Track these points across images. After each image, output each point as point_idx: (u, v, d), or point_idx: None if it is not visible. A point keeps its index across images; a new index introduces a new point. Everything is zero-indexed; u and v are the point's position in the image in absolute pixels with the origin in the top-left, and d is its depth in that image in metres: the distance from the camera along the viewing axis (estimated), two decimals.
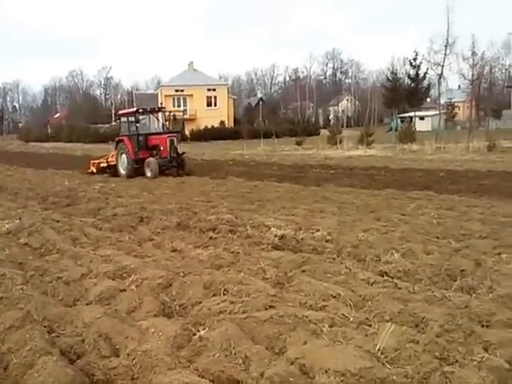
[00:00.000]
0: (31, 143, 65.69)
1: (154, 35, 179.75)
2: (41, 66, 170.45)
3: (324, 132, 56.64)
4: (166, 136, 20.30)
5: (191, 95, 75.19)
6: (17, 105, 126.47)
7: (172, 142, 20.19)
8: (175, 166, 20.37)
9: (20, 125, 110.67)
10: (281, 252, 7.31)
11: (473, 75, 52.91)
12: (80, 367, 4.01)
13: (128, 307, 5.26)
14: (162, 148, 20.15)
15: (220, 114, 72.57)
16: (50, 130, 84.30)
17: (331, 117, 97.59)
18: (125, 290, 5.69)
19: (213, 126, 68.67)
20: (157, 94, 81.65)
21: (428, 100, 72.88)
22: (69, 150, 42.61)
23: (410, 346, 3.98)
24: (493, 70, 76.74)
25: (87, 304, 5.45)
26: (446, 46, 42.78)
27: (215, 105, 75.41)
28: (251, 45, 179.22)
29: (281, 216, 10.31)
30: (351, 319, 4.72)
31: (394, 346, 4.01)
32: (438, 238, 8.25)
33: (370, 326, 4.56)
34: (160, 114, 22.08)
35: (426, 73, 51.71)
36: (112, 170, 21.86)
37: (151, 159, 20.06)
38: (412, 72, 51.87)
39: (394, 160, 25.48)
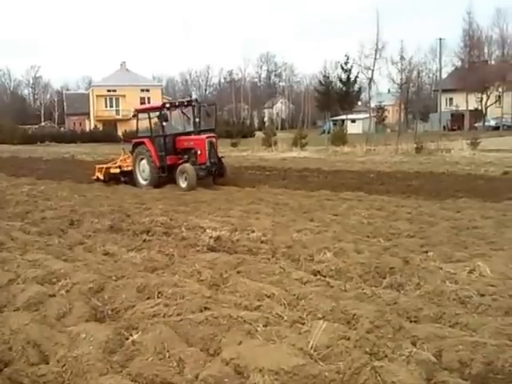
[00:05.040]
0: None
1: (84, 34, 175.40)
2: None
3: (259, 134, 57.05)
4: (204, 137, 16.47)
5: (124, 96, 73.91)
6: None
7: (212, 144, 16.44)
8: (214, 173, 16.61)
9: None
10: (216, 253, 7.30)
11: (401, 79, 55.01)
12: (7, 375, 3.87)
13: (58, 313, 5.09)
14: (199, 152, 16.22)
15: None
16: None
17: (266, 119, 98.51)
18: (54, 296, 5.51)
19: None
20: (88, 94, 79.79)
21: (359, 103, 75.03)
22: None
23: (342, 342, 4.08)
24: (420, 75, 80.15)
25: (14, 310, 5.23)
26: (375, 51, 44.28)
27: None
28: (185, 46, 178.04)
29: (216, 217, 10.30)
30: (285, 318, 4.78)
31: (327, 342, 4.09)
32: (368, 237, 8.49)
33: (303, 324, 4.64)
34: (190, 109, 17.76)
35: (356, 77, 53.44)
36: (128, 178, 17.84)
37: (187, 165, 16.00)
38: (343, 76, 53.39)
39: (326, 162, 25.98)
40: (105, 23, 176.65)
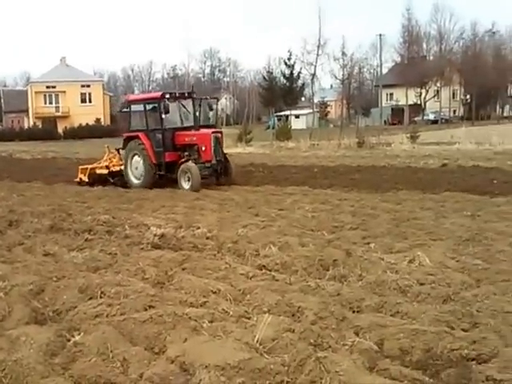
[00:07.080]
0: None
1: (22, 28, 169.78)
2: None
3: None
4: (209, 132, 15.01)
5: (64, 92, 71.99)
6: None
7: (217, 139, 14.98)
8: (219, 173, 15.25)
9: None
10: (161, 251, 7.25)
11: (343, 75, 56.09)
12: None
13: None
14: (203, 148, 14.73)
15: (95, 112, 70.14)
16: None
17: None
18: None
19: (87, 124, 66.25)
20: (26, 90, 77.26)
21: (303, 99, 75.81)
22: None
23: (287, 335, 4.13)
24: (362, 70, 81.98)
25: None
26: (318, 47, 44.91)
27: (90, 101, 72.79)
28: (127, 41, 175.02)
29: (160, 215, 10.21)
30: (231, 313, 4.79)
31: (272, 336, 4.13)
32: (312, 230, 8.60)
33: (249, 318, 4.67)
34: (190, 102, 15.96)
35: (299, 72, 53.98)
36: (118, 179, 16.19)
37: (190, 164, 14.46)
38: (287, 71, 53.84)
39: (271, 157, 26.12)
40: (44, 17, 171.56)
